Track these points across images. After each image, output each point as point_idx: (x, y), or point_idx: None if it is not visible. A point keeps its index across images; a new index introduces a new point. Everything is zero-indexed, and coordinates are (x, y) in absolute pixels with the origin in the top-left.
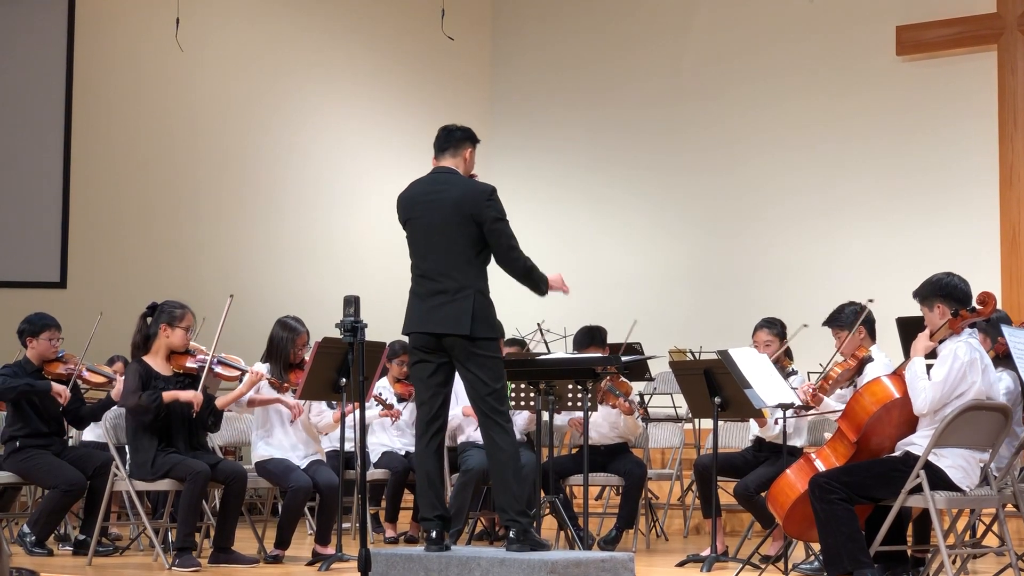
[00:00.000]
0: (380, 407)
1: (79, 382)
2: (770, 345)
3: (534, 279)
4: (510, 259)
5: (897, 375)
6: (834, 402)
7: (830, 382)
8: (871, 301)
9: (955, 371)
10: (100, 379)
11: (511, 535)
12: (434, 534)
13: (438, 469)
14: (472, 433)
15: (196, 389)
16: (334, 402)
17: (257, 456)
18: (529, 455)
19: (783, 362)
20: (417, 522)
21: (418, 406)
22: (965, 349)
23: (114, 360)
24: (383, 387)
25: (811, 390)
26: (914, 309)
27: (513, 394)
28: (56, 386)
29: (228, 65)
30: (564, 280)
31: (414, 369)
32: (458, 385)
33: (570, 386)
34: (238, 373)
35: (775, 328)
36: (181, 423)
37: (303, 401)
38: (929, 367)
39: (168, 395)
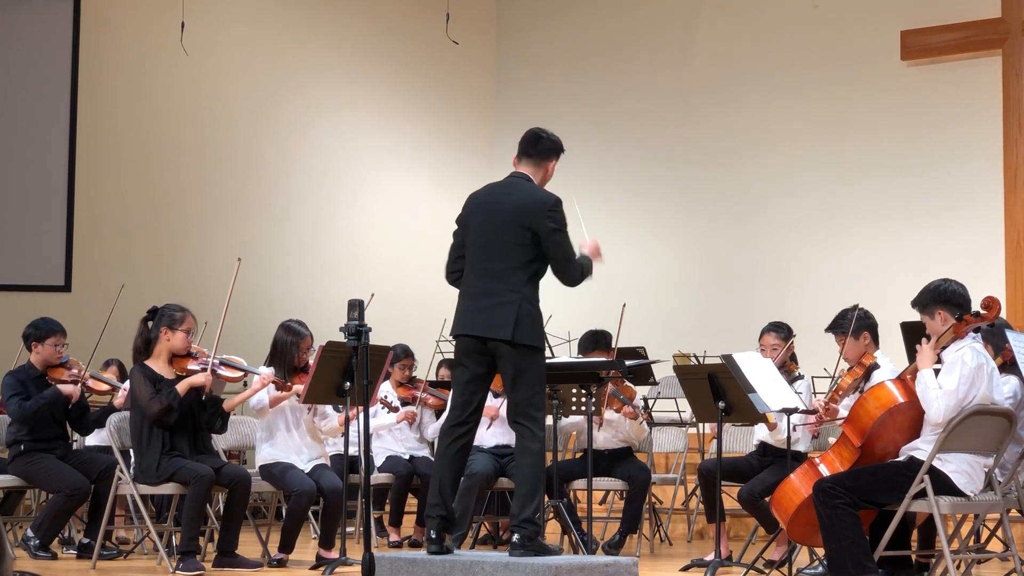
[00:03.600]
0: (386, 410)
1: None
2: (776, 349)
3: (586, 275)
4: (565, 271)
5: (901, 380)
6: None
7: (840, 392)
8: (856, 307)
9: (965, 377)
10: (104, 387)
11: (515, 540)
12: (434, 533)
13: (453, 475)
14: (480, 435)
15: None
16: (340, 406)
17: (261, 460)
18: None
19: (789, 366)
20: (421, 526)
21: (449, 409)
22: (971, 355)
23: (109, 364)
24: (386, 391)
25: (824, 404)
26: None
27: None
28: (63, 388)
29: (233, 69)
30: (599, 248)
31: (454, 372)
32: None
33: (574, 390)
34: (241, 374)
35: (782, 332)
36: (185, 426)
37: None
38: (936, 372)
39: (181, 385)
